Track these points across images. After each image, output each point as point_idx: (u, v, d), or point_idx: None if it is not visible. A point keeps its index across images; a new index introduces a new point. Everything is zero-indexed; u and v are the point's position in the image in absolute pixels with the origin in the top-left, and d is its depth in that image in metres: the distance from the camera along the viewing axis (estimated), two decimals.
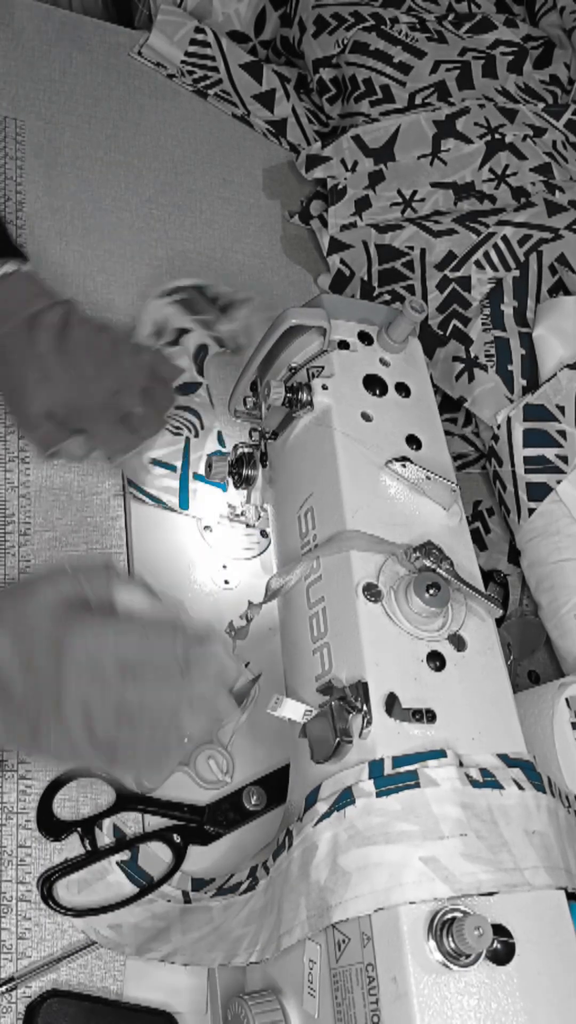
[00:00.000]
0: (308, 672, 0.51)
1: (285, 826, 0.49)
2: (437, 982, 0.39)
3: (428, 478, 0.53)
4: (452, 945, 0.39)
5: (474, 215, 0.87)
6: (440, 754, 0.44)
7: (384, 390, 0.58)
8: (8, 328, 0.58)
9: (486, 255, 0.84)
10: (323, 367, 0.57)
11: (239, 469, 0.64)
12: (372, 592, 0.48)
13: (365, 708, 0.45)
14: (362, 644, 0.47)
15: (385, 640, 0.47)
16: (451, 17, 0.99)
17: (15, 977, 0.51)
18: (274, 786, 0.60)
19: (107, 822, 0.57)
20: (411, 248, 0.85)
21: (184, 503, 0.68)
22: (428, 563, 0.49)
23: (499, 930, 0.41)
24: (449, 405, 0.84)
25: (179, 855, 0.57)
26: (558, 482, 0.75)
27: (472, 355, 0.81)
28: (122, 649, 0.44)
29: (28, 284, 0.61)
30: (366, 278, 0.86)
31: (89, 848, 0.56)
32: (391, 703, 0.45)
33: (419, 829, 0.42)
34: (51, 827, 0.55)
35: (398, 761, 0.44)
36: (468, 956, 0.39)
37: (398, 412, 0.57)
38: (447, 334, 0.82)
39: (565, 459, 0.76)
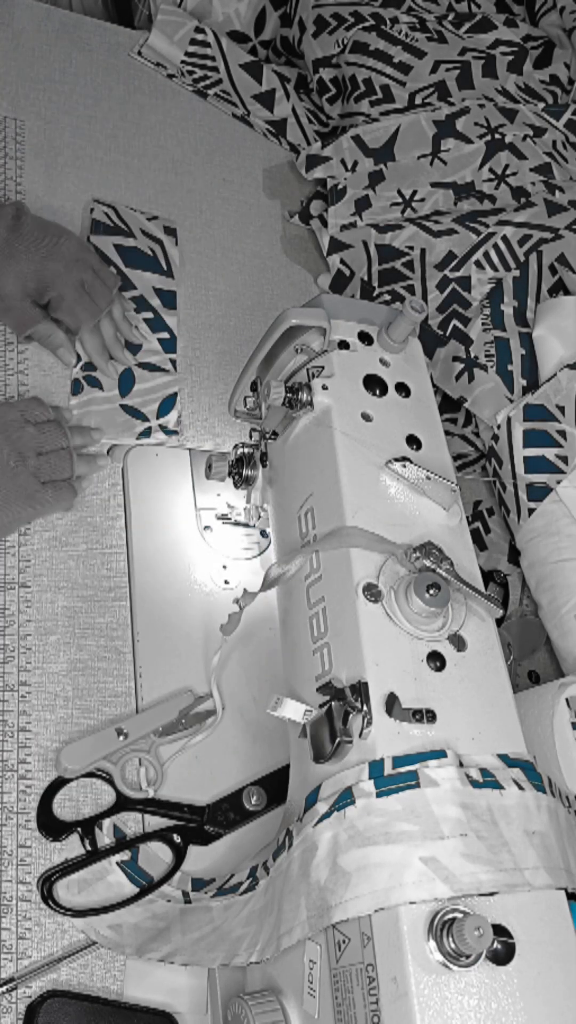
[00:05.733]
0: (308, 672, 0.51)
1: (285, 826, 0.49)
2: (437, 982, 0.39)
3: (428, 478, 0.53)
4: (452, 945, 0.39)
5: (474, 215, 0.87)
6: (440, 754, 0.44)
7: (384, 390, 0.58)
8: None
9: (486, 255, 0.84)
10: (323, 367, 0.57)
11: (239, 469, 0.64)
12: (372, 592, 0.48)
13: (365, 708, 0.45)
14: (362, 644, 0.47)
15: (385, 640, 0.47)
16: (451, 17, 0.99)
17: (15, 977, 0.52)
18: (274, 786, 0.61)
19: (107, 822, 0.57)
20: (411, 248, 0.85)
21: (125, 390, 0.74)
22: (428, 563, 0.49)
23: (499, 930, 0.41)
24: (449, 405, 0.84)
25: (179, 855, 0.57)
26: (558, 482, 0.75)
27: (472, 355, 0.81)
28: None
29: None
30: (366, 278, 0.86)
31: (89, 848, 0.56)
32: (391, 703, 0.45)
33: (419, 829, 0.42)
34: (51, 827, 0.55)
35: (398, 761, 0.44)
36: (468, 956, 0.39)
37: (398, 412, 0.57)
38: (447, 334, 0.82)
39: (565, 459, 0.76)
